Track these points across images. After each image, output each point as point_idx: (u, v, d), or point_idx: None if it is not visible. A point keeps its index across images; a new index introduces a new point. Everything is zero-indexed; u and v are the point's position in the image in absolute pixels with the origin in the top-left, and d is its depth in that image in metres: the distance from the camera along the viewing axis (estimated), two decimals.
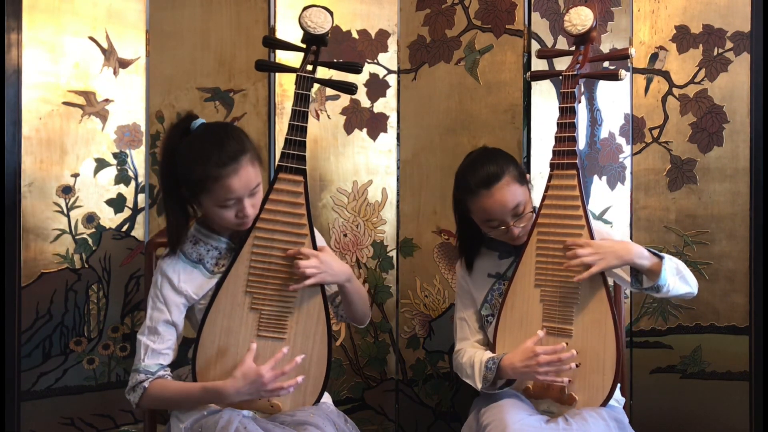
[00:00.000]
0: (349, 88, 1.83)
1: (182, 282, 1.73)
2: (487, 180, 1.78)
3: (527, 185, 1.86)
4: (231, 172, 1.63)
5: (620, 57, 1.89)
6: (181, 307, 1.74)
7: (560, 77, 1.85)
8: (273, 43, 1.93)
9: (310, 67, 1.78)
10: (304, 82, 1.75)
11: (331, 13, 1.78)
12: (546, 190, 1.79)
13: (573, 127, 1.78)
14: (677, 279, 1.73)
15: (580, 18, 1.85)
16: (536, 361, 1.70)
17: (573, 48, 1.91)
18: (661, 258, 1.71)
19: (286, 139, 1.72)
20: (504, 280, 1.90)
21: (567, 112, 1.80)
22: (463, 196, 1.85)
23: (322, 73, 1.81)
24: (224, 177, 1.62)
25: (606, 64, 2.30)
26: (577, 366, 1.72)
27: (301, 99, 1.74)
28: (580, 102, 1.84)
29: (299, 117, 1.73)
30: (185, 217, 1.74)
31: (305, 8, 1.78)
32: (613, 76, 1.82)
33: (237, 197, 1.65)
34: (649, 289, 1.73)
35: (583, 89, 2.35)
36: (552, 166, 1.79)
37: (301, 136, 1.72)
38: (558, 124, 1.80)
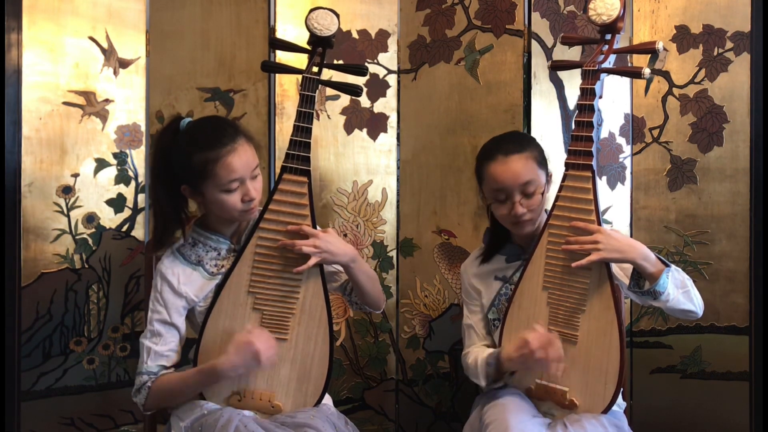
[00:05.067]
0: (355, 91, 1.84)
1: (182, 284, 1.73)
2: (507, 150, 1.82)
3: (546, 174, 1.86)
4: (231, 151, 1.65)
5: (647, 50, 1.79)
6: (181, 309, 1.74)
7: (581, 72, 1.76)
8: (279, 44, 1.93)
9: (315, 69, 1.78)
10: (310, 83, 1.75)
11: (338, 16, 1.78)
12: (560, 190, 1.75)
13: (591, 126, 1.72)
14: (680, 293, 1.69)
15: (606, 6, 1.75)
16: (529, 348, 1.69)
17: (598, 37, 1.81)
18: (667, 266, 1.68)
19: (291, 140, 1.73)
20: (510, 284, 1.90)
21: (586, 110, 1.72)
22: (480, 162, 1.87)
23: (323, 73, 1.81)
24: (224, 156, 1.64)
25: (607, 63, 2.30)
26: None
27: (307, 100, 1.74)
28: (601, 97, 1.77)
29: (304, 118, 1.73)
30: (176, 218, 1.74)
31: (312, 10, 1.78)
32: (636, 74, 1.73)
33: (240, 177, 1.66)
34: (647, 295, 1.69)
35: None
36: (567, 165, 1.74)
37: (306, 137, 1.73)
38: (575, 122, 1.74)
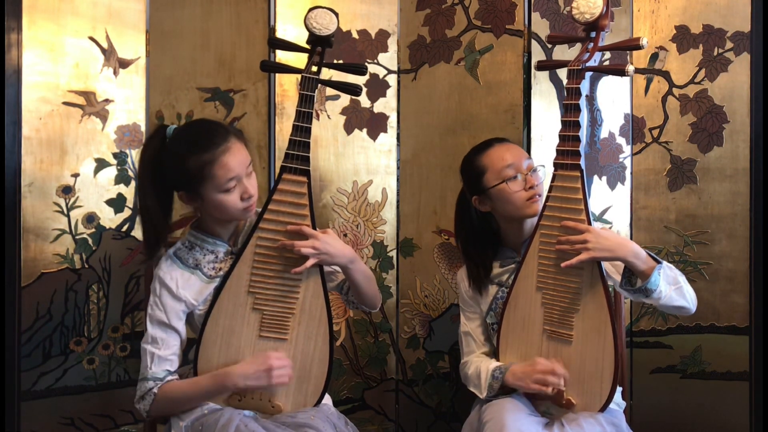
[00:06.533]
0: (354, 90, 1.84)
1: (180, 288, 1.72)
2: (500, 139, 1.96)
3: None
4: (225, 151, 1.65)
5: (631, 47, 1.80)
6: (181, 313, 1.73)
7: (566, 71, 1.77)
8: (278, 43, 1.92)
9: (314, 68, 1.78)
10: (309, 83, 1.75)
11: (337, 15, 1.77)
12: (549, 191, 1.77)
13: (577, 125, 1.73)
14: (672, 289, 1.70)
15: (588, 5, 1.76)
16: (533, 368, 1.73)
17: (583, 35, 1.83)
18: (658, 263, 1.69)
19: (290, 140, 1.73)
20: (506, 288, 1.90)
21: (571, 110, 1.74)
22: (474, 157, 1.92)
23: (323, 73, 1.81)
24: (220, 156, 1.64)
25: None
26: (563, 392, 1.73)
27: (306, 100, 1.74)
28: (590, 95, 1.79)
29: (303, 118, 1.73)
30: (166, 228, 1.74)
31: (311, 9, 1.77)
32: (620, 72, 1.74)
33: (236, 175, 1.66)
34: (639, 293, 1.69)
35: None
36: (556, 165, 1.76)
37: (305, 137, 1.73)
38: (562, 122, 1.76)
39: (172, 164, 1.68)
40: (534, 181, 1.86)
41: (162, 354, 1.70)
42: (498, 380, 1.79)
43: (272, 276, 1.72)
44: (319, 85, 1.79)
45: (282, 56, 2.30)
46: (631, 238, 2.35)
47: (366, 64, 2.40)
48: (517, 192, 1.85)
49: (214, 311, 1.71)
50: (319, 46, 1.81)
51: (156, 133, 1.74)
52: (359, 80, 2.27)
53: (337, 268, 1.86)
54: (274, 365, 1.65)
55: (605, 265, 1.76)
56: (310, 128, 1.73)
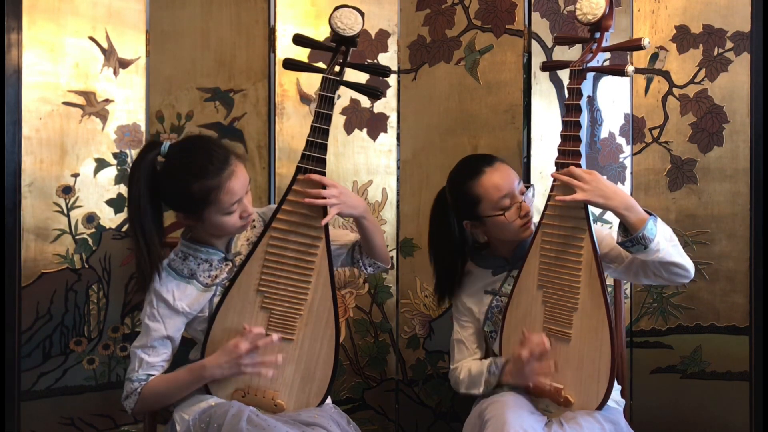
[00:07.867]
0: (375, 93, 1.81)
1: (177, 300, 1.72)
2: (488, 159, 1.88)
3: None
4: (230, 176, 1.64)
5: (633, 47, 1.80)
6: (179, 324, 1.73)
7: (568, 71, 1.77)
8: (303, 41, 1.84)
9: (337, 69, 1.76)
10: (330, 84, 1.73)
11: (362, 14, 1.75)
12: (551, 190, 1.77)
13: (578, 125, 1.73)
14: (670, 245, 1.67)
15: (591, 5, 1.76)
16: (523, 358, 1.73)
17: (588, 36, 1.83)
18: (651, 215, 1.66)
19: (307, 141, 1.72)
20: (500, 296, 1.91)
21: (573, 110, 1.74)
22: (464, 185, 1.87)
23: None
24: (225, 182, 1.63)
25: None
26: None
27: (326, 101, 1.72)
28: (590, 95, 1.79)
29: (322, 119, 1.72)
30: (160, 247, 1.72)
31: (336, 8, 1.75)
32: (620, 72, 1.74)
33: (239, 198, 1.66)
34: (638, 244, 1.64)
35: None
36: (557, 165, 1.76)
37: (322, 138, 1.72)
38: (563, 122, 1.76)
39: (173, 189, 1.66)
40: (528, 207, 1.85)
41: (150, 361, 1.70)
42: (494, 375, 1.80)
43: (282, 276, 1.72)
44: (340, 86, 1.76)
45: (281, 56, 2.30)
46: None
47: (365, 63, 2.40)
48: (513, 221, 1.85)
49: (223, 307, 1.71)
50: (344, 45, 1.79)
51: (148, 151, 1.69)
52: (359, 79, 2.26)
53: (340, 243, 1.89)
54: (243, 356, 1.63)
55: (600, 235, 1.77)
56: (328, 130, 1.72)
